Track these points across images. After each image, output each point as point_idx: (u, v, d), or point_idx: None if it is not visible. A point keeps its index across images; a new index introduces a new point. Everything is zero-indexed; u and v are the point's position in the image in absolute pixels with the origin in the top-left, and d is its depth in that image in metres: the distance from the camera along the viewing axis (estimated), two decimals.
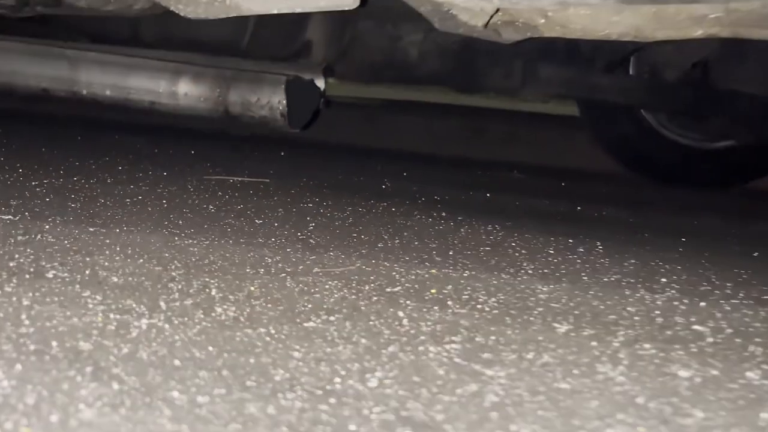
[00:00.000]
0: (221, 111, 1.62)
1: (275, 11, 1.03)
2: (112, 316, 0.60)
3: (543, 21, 0.87)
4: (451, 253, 1.01)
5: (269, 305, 0.68)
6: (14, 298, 0.62)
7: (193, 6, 1.04)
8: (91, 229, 0.92)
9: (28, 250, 0.79)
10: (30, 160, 1.45)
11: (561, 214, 1.57)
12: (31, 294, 0.64)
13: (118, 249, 0.83)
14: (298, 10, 1.03)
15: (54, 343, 0.53)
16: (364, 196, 1.48)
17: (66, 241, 0.84)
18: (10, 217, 0.94)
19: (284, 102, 1.56)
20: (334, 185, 1.63)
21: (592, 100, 2.46)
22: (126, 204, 1.12)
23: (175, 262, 0.80)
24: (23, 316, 0.58)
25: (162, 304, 0.65)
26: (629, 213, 1.67)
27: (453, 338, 0.63)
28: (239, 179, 1.57)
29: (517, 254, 1.05)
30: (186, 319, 0.62)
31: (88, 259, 0.77)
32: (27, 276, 0.69)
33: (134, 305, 0.64)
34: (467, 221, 1.28)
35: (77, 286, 0.68)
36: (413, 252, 0.99)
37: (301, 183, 1.61)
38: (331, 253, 0.93)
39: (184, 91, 1.61)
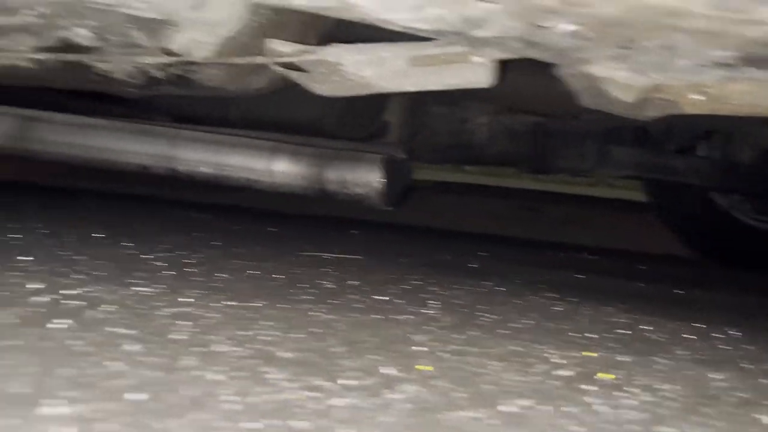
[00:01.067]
0: (317, 189, 1.62)
1: (408, 89, 1.04)
2: (306, 393, 0.57)
3: (699, 97, 0.86)
4: (594, 335, 0.96)
5: (453, 387, 0.64)
6: (197, 373, 0.59)
7: (327, 84, 1.06)
8: (228, 303, 0.90)
9: (179, 322, 0.77)
10: (130, 236, 1.47)
11: (665, 298, 1.51)
12: (216, 368, 0.61)
13: (270, 323, 0.81)
14: (431, 87, 1.03)
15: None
16: (461, 274, 1.45)
17: (213, 314, 0.82)
18: (148, 289, 0.93)
19: (382, 180, 1.57)
20: (426, 263, 1.61)
21: (662, 181, 2.43)
22: (245, 278, 1.11)
23: (330, 336, 0.77)
24: (227, 392, 0.55)
25: (344, 381, 0.62)
26: (738, 299, 1.61)
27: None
28: (333, 256, 1.56)
29: (655, 338, 1.00)
30: (377, 400, 0.58)
31: (244, 333, 0.75)
32: (196, 350, 0.67)
33: (318, 381, 0.61)
34: (584, 303, 1.24)
35: (254, 360, 0.65)
36: (553, 334, 0.95)
37: (389, 260, 1.59)
38: (473, 333, 0.90)
39: (281, 168, 1.63)
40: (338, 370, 0.66)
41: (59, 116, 1.72)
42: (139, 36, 1.02)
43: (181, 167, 1.68)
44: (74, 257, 1.13)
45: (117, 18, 0.97)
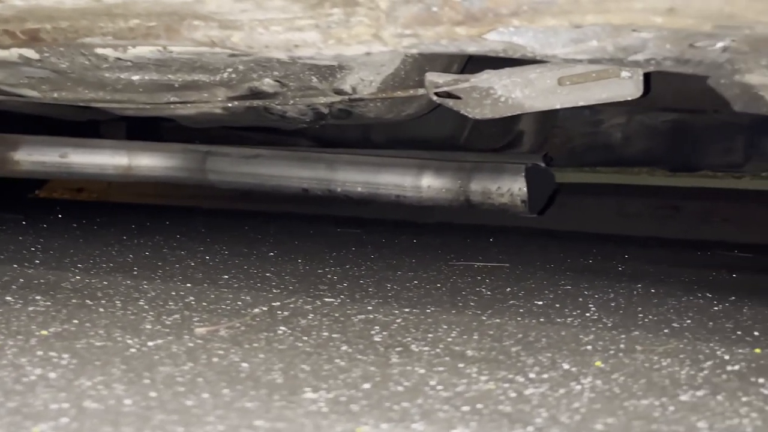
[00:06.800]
0: (462, 200, 1.73)
1: (557, 106, 1.11)
2: (502, 384, 0.67)
3: None
4: (761, 334, 0.98)
5: (630, 379, 0.71)
6: (406, 368, 0.71)
7: (479, 108, 1.16)
8: (406, 311, 1.02)
9: (376, 327, 0.89)
10: (299, 253, 1.64)
11: None
12: (419, 364, 0.72)
13: (444, 327, 0.91)
14: (580, 103, 1.10)
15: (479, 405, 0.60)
16: (611, 278, 1.49)
17: (396, 322, 0.94)
18: (332, 299, 1.07)
19: (524, 189, 1.64)
20: (572, 268, 1.66)
21: None
22: (413, 287, 1.23)
23: (506, 338, 0.87)
24: (433, 383, 0.66)
25: (532, 375, 0.71)
26: None
27: None
28: (482, 264, 1.65)
29: None
30: (566, 390, 0.67)
31: (430, 335, 0.86)
32: (397, 350, 0.79)
33: (508, 374, 0.70)
34: (744, 303, 1.24)
35: (447, 358, 0.76)
36: (718, 332, 0.98)
37: (538, 266, 1.65)
38: (636, 333, 0.95)
39: (428, 183, 1.75)
40: (523, 365, 0.75)
41: (232, 149, 1.95)
42: (315, 80, 1.18)
43: (339, 188, 1.85)
44: (265, 274, 1.30)
45: (299, 67, 1.12)
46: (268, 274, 1.30)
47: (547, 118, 2.42)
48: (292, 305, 1.01)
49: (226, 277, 1.25)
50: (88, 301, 0.96)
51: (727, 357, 0.83)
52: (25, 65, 1.04)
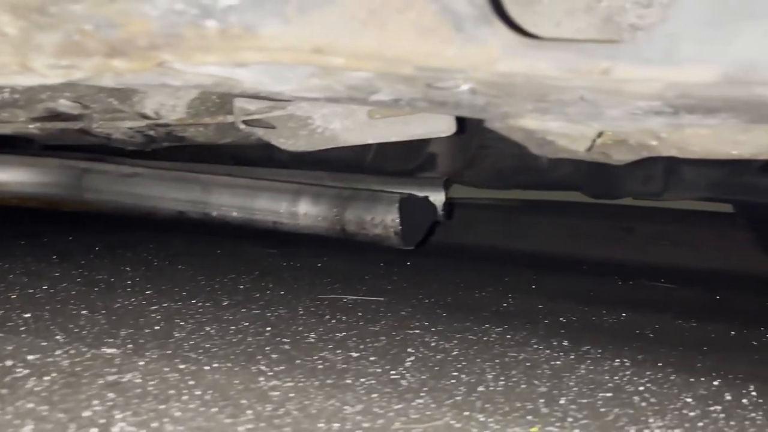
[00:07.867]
0: (338, 230, 1.62)
1: (370, 141, 1.01)
2: None
3: (656, 143, 0.77)
4: (562, 401, 0.88)
5: None
6: None
7: (294, 140, 1.05)
8: (181, 367, 0.91)
9: (110, 395, 0.78)
10: (163, 279, 1.53)
11: (710, 343, 1.36)
12: None
13: (197, 393, 0.81)
14: (393, 139, 1.00)
15: None
16: (480, 318, 1.38)
17: (151, 384, 0.83)
18: (114, 350, 0.96)
19: (397, 220, 1.54)
20: (451, 304, 1.55)
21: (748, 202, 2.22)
22: (229, 333, 1.12)
23: (248, 412, 0.76)
24: None
25: None
26: None
27: None
28: (353, 298, 1.54)
29: (643, 404, 0.89)
30: None
31: (162, 407, 0.75)
32: (96, 430, 0.68)
33: None
34: (591, 354, 1.14)
35: None
36: (516, 400, 0.88)
37: (415, 301, 1.54)
38: (420, 401, 0.85)
39: (304, 211, 1.64)
40: None
41: (111, 167, 1.84)
42: (117, 103, 1.07)
43: (215, 212, 1.74)
44: (81, 312, 1.19)
45: (88, 89, 1.02)
46: (86, 314, 1.19)
47: (468, 139, 2.32)
48: (50, 359, 0.90)
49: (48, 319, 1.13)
50: None
51: None
52: None
